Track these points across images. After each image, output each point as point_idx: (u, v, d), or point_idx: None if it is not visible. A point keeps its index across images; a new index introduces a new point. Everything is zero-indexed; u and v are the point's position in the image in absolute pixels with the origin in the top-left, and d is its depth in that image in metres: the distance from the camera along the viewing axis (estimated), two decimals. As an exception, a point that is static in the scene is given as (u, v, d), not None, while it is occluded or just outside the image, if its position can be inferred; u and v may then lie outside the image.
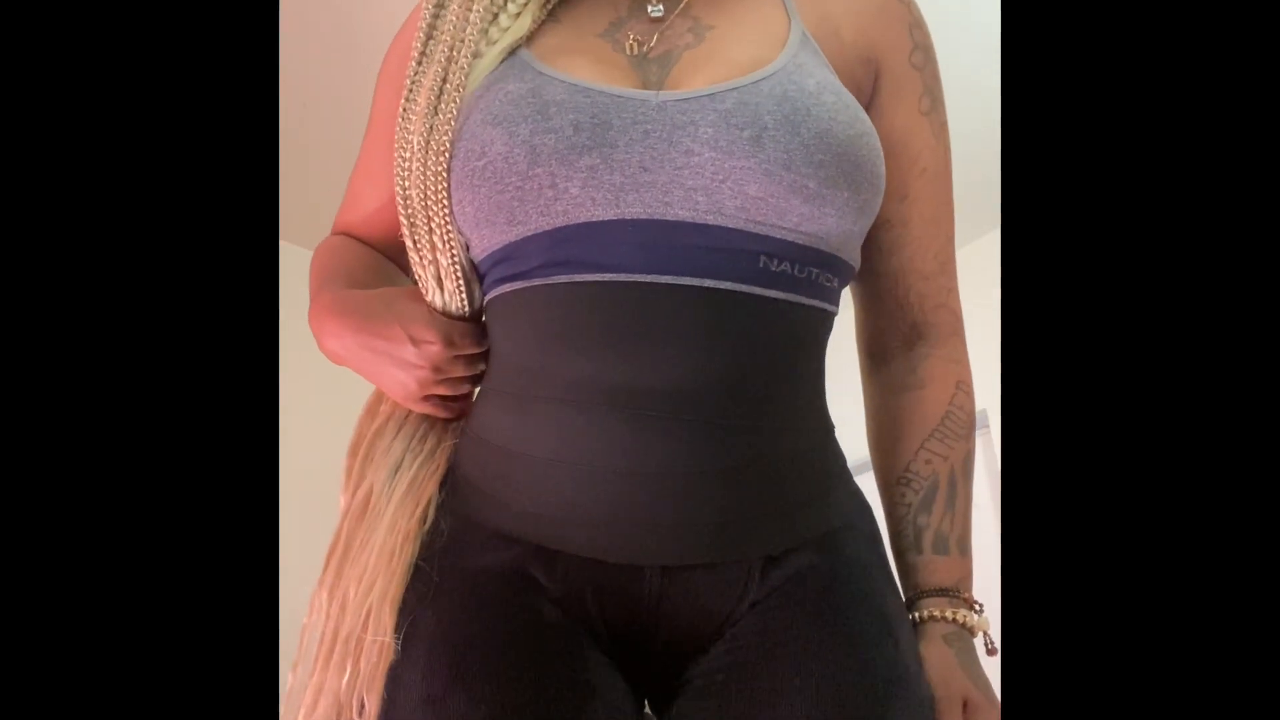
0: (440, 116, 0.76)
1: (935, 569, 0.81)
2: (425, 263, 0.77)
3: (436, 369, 0.77)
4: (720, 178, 0.70)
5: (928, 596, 0.80)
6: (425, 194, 0.75)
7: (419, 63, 0.79)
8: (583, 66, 0.77)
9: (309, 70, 2.39)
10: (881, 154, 0.77)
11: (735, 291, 0.70)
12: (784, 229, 0.71)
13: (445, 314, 0.78)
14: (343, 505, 0.81)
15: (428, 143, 0.75)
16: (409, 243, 0.78)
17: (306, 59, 2.36)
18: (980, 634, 0.80)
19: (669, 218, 0.70)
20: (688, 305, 0.69)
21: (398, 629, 0.71)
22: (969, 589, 0.81)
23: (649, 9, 0.82)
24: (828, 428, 0.79)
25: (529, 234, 0.72)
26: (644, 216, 0.70)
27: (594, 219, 0.70)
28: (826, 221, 0.72)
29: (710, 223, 0.70)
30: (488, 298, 0.77)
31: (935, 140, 0.86)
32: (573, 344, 0.71)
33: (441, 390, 0.78)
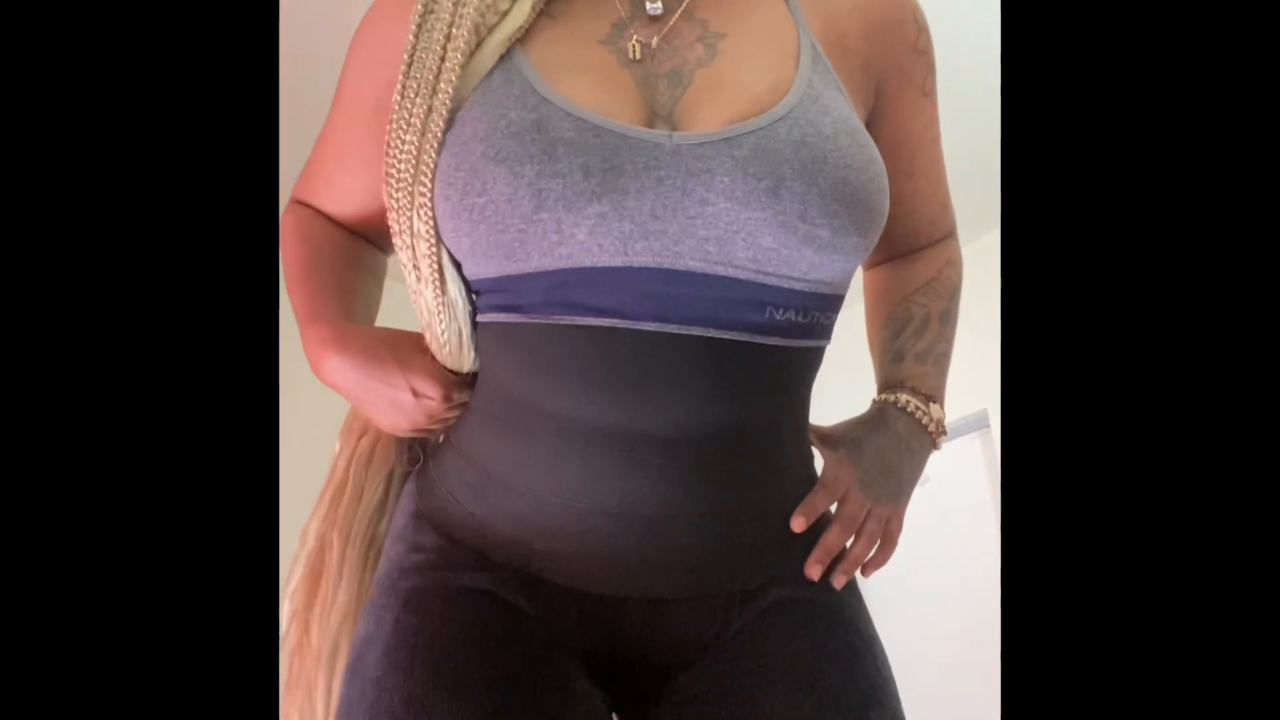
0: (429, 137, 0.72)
1: (916, 373, 0.88)
2: (423, 288, 0.75)
3: (430, 418, 0.77)
4: (734, 229, 0.68)
5: (899, 390, 0.87)
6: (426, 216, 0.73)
7: (409, 66, 0.74)
8: (588, 89, 0.73)
9: (309, 69, 2.39)
10: (887, 187, 0.75)
11: (738, 341, 0.70)
12: (792, 278, 0.70)
13: (444, 368, 0.77)
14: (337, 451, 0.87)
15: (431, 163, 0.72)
16: (408, 270, 0.75)
17: (307, 58, 2.36)
18: (935, 432, 0.86)
19: (679, 267, 0.68)
20: (692, 355, 0.69)
21: (371, 605, 0.75)
22: (941, 399, 0.88)
23: (647, 6, 0.79)
24: (808, 461, 0.81)
25: (528, 271, 0.69)
26: (653, 265, 0.68)
27: (599, 264, 0.68)
28: (834, 268, 0.71)
29: (721, 274, 0.68)
30: (479, 319, 0.75)
31: (935, 112, 0.90)
32: (573, 384, 0.70)
33: (430, 427, 0.80)
